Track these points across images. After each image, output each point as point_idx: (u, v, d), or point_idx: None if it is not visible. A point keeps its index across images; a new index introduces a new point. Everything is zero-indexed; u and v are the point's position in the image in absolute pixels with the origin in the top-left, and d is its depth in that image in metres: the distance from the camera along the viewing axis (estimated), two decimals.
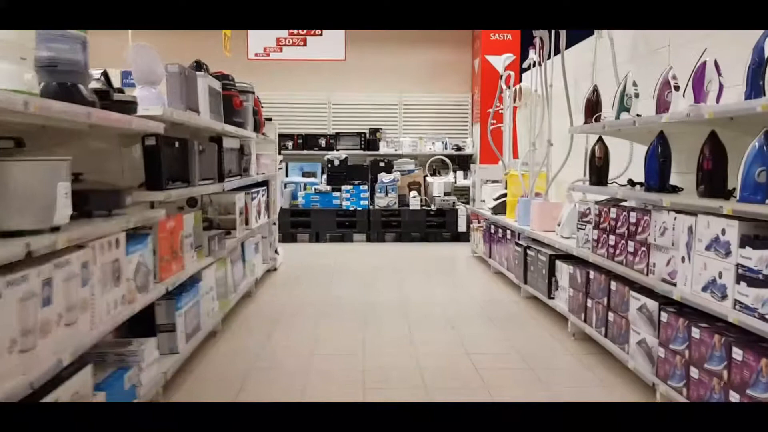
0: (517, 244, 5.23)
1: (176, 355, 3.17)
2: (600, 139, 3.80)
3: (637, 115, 3.36)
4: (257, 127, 5.59)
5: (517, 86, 6.59)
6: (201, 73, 3.84)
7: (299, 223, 8.84)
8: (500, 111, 10.17)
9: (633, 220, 3.15)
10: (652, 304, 2.91)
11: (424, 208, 8.93)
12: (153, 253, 2.93)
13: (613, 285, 3.39)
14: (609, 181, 3.84)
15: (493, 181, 7.16)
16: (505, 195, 6.32)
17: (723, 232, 2.37)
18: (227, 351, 3.78)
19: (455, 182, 9.64)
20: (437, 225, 8.89)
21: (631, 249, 3.17)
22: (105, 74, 2.75)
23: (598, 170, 3.79)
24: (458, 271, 6.63)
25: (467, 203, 9.53)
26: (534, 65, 5.77)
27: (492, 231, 6.34)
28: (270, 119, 9.68)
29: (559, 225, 4.46)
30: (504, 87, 6.63)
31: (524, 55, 9.90)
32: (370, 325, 4.30)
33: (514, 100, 6.72)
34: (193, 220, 3.49)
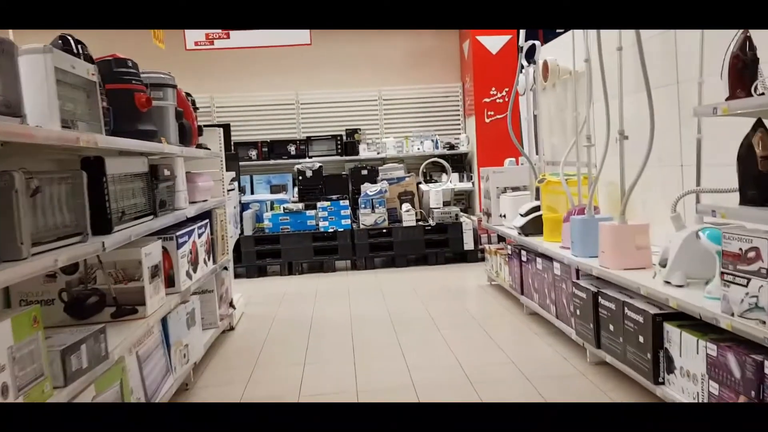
0: (577, 286, 3.55)
1: None
2: (760, 124, 2.14)
3: None
4: (186, 137, 3.86)
5: (542, 61, 4.90)
6: (31, 47, 2.09)
7: (267, 252, 7.09)
8: (498, 101, 8.62)
9: None
10: None
11: (420, 223, 7.24)
12: None
13: None
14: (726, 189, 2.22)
15: (513, 189, 5.50)
16: (537, 209, 4.66)
17: None
18: None
19: (454, 188, 7.98)
20: (437, 243, 7.20)
21: None
22: None
23: (760, 178, 2.13)
24: (478, 314, 4.94)
25: (465, 211, 7.90)
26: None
27: (524, 259, 4.67)
28: (228, 126, 8.15)
29: (662, 266, 2.79)
30: (525, 63, 4.95)
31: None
32: None
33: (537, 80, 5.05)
34: (11, 332, 1.75)
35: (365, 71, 8.63)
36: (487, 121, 8.19)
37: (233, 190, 5.06)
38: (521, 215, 4.73)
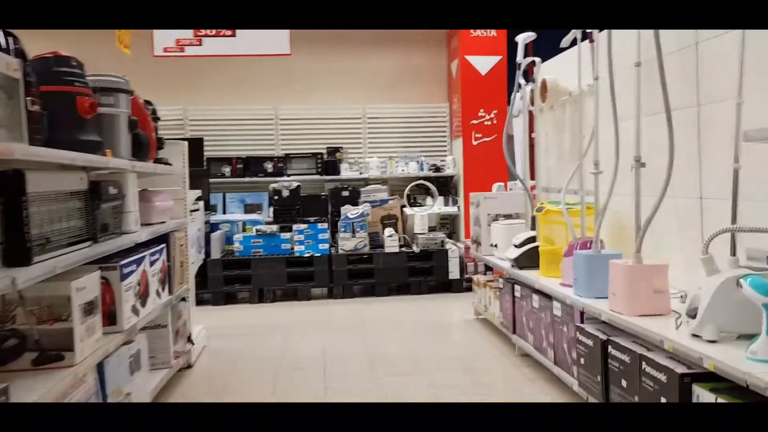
0: (582, 331, 3.13)
1: None
2: None
3: None
4: (142, 150, 3.39)
5: (540, 80, 4.52)
6: None
7: (236, 278, 6.58)
8: (486, 123, 8.25)
9: None
10: None
11: (403, 249, 6.80)
12: None
13: None
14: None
15: (505, 216, 5.09)
16: (532, 240, 4.25)
17: None
18: None
19: (440, 212, 7.56)
20: (421, 271, 6.76)
21: None
22: None
23: None
24: (465, 354, 4.47)
25: (450, 237, 7.47)
26: (580, 41, 3.72)
27: (517, 294, 4.24)
28: (201, 140, 7.68)
29: (691, 316, 2.37)
30: (522, 82, 4.56)
31: (511, 56, 8.14)
32: None
33: (532, 102, 4.67)
34: None
35: (349, 88, 8.21)
36: (474, 143, 7.84)
37: (197, 210, 4.58)
38: (515, 246, 4.31)
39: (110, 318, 2.83)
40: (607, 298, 3.03)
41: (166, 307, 3.70)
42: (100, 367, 2.68)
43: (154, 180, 3.95)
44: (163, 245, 3.67)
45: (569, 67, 4.31)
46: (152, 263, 3.37)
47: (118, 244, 2.90)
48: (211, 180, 7.45)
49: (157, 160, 3.78)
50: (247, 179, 7.72)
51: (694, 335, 2.36)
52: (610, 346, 2.85)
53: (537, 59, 4.29)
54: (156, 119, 3.87)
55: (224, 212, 7.71)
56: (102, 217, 2.79)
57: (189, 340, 4.21)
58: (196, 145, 7.41)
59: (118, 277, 2.84)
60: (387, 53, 8.21)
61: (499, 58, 7.84)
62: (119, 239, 2.95)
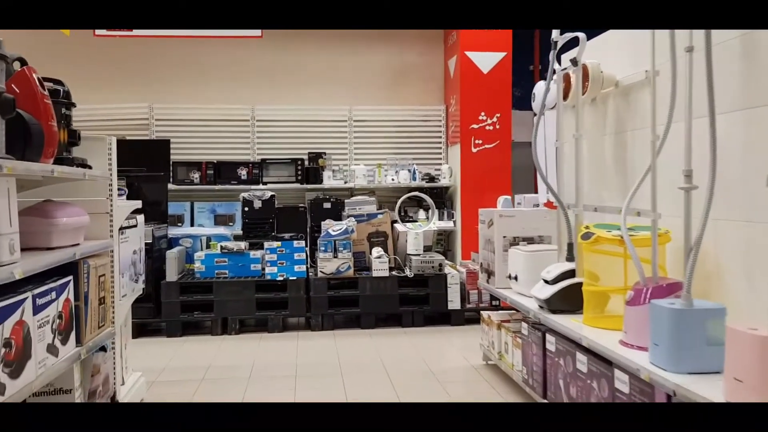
0: None
1: None
2: None
3: None
4: (29, 144, 2.33)
5: (582, 65, 3.50)
6: None
7: (196, 305, 5.50)
8: (488, 128, 7.29)
9: None
10: None
11: (394, 273, 5.76)
12: None
13: None
14: None
15: (526, 240, 4.07)
16: (570, 274, 3.24)
17: None
18: None
19: (437, 229, 6.54)
20: (415, 300, 5.72)
21: None
22: None
23: None
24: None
25: (444, 255, 6.44)
26: None
27: (551, 347, 3.22)
28: (167, 142, 6.70)
29: None
30: (557, 67, 3.54)
31: (517, 53, 7.27)
32: None
33: (566, 94, 3.66)
34: None
35: (334, 87, 7.32)
36: (474, 150, 6.93)
37: (134, 227, 3.52)
38: (546, 282, 3.30)
39: None
40: (708, 373, 2.04)
41: (71, 365, 2.64)
42: None
43: (62, 188, 2.89)
44: (69, 278, 2.62)
45: (614, 50, 3.35)
46: (39, 308, 2.30)
47: None
48: (178, 187, 6.62)
49: (64, 161, 2.71)
50: (218, 187, 6.80)
51: None
52: None
53: (581, 35, 3.27)
54: (67, 105, 2.81)
55: (192, 224, 6.75)
56: None
57: (113, 401, 3.14)
58: (160, 147, 6.64)
59: None
60: (377, 49, 7.38)
61: (503, 54, 7.00)
62: None
